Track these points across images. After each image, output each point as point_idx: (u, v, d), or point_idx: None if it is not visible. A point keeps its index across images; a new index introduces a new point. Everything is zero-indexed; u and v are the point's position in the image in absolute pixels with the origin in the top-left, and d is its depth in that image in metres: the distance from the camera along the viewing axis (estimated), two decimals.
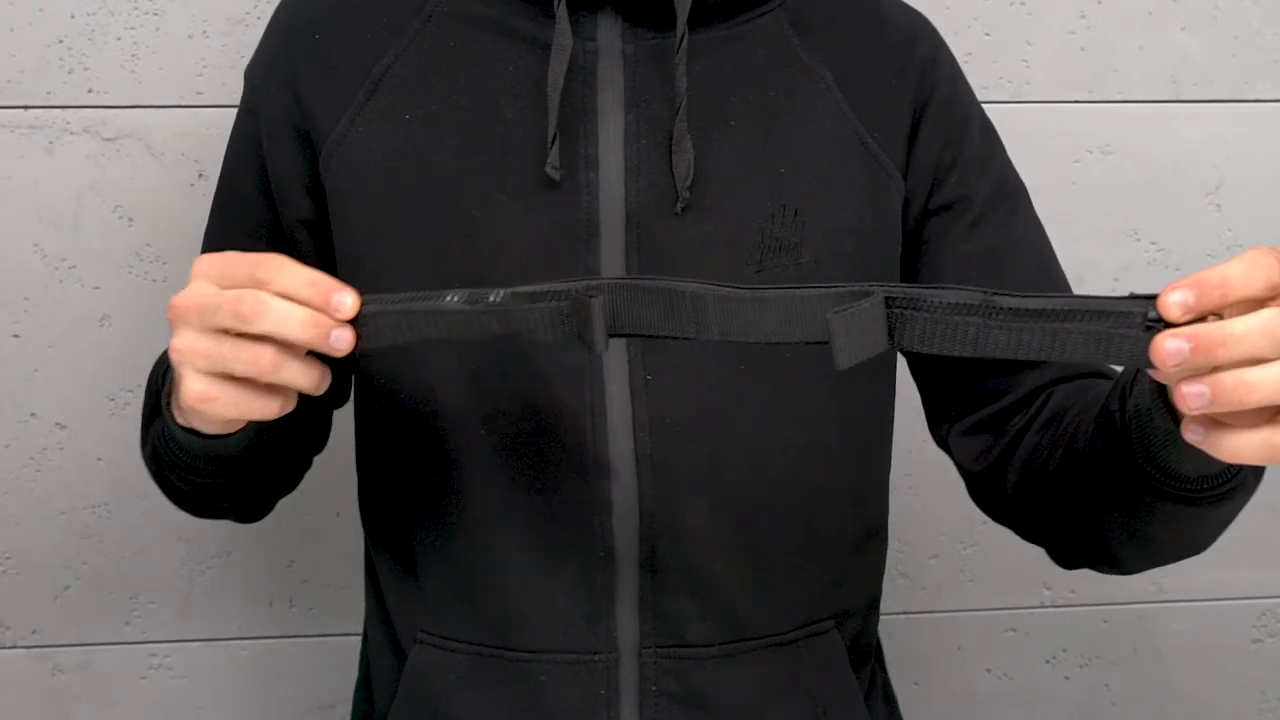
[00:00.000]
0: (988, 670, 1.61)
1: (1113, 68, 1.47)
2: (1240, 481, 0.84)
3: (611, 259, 0.96)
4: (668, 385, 0.96)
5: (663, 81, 0.97)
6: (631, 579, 0.98)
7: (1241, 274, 0.68)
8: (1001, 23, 1.46)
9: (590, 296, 0.77)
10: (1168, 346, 0.67)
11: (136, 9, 1.36)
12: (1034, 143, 1.47)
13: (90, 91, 1.36)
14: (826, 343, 0.73)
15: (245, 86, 1.04)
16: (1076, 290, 1.48)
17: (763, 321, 0.76)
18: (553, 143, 0.94)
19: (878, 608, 1.13)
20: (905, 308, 0.73)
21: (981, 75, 1.45)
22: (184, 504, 1.03)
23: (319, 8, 1.02)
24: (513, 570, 0.99)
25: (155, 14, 1.36)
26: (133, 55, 1.36)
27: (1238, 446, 0.70)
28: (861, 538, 1.06)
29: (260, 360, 0.78)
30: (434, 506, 1.00)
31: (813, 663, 1.03)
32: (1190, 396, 0.68)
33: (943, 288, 0.73)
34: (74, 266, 1.39)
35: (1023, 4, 1.46)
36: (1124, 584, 1.58)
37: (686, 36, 0.96)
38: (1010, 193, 1.07)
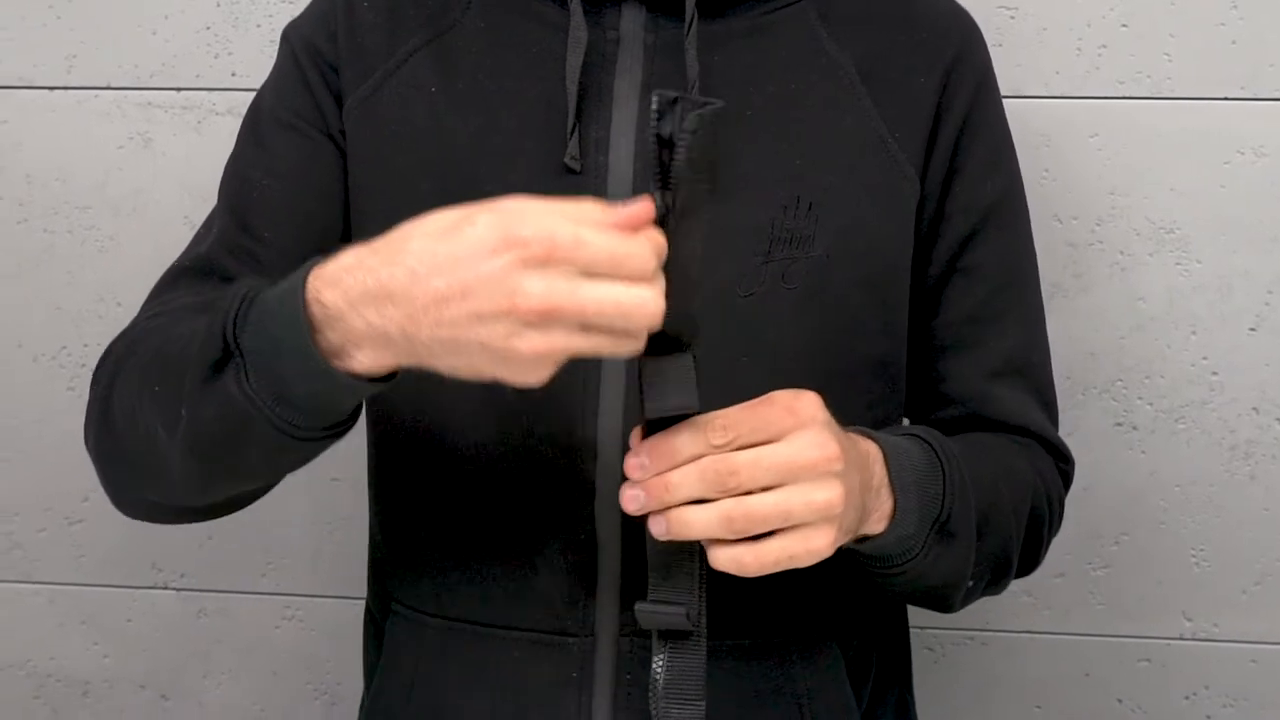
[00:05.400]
0: (1119, 701, 1.51)
1: (1269, 62, 1.36)
2: (905, 571, 0.92)
3: None
4: None
5: (680, 69, 0.97)
6: (613, 565, 0.98)
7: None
8: (1140, 13, 1.36)
9: None
10: (627, 494, 0.81)
11: None
12: (1177, 143, 1.37)
13: (233, 75, 1.46)
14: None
15: (284, 45, 1.06)
16: (1225, 305, 1.38)
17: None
18: (572, 134, 0.96)
19: (901, 623, 1.09)
20: None
21: (1117, 70, 1.36)
22: (188, 493, 0.92)
23: None
24: (494, 544, 0.99)
25: (291, 2, 1.44)
26: (271, 41, 1.44)
27: (721, 558, 0.82)
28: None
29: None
30: (419, 475, 1.02)
31: (805, 671, 1.01)
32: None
33: None
34: None
35: None
36: (1276, 623, 1.47)
37: (695, 22, 0.96)
38: (1004, 213, 1.05)
